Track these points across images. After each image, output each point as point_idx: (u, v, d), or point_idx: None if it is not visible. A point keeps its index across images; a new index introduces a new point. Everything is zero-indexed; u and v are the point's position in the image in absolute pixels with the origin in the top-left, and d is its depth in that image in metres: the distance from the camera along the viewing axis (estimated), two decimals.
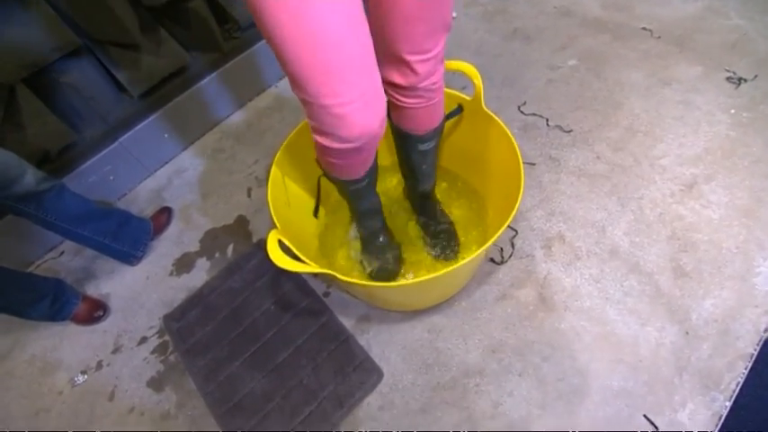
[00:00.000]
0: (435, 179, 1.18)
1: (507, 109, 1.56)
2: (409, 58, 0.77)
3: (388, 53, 0.78)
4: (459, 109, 1.09)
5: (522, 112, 1.54)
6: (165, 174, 1.62)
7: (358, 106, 0.66)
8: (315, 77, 0.62)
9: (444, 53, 0.82)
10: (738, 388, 0.98)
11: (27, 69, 1.19)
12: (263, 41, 1.68)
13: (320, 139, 0.72)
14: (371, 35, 0.67)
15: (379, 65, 0.75)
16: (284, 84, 1.82)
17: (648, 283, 1.13)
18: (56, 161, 1.38)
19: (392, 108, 0.93)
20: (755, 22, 1.66)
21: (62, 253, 1.48)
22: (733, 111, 1.42)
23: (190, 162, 1.64)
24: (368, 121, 0.68)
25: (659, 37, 1.68)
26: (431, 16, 0.71)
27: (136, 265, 1.39)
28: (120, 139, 1.49)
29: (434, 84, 0.85)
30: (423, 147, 1.00)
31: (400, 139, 1.02)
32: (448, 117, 1.06)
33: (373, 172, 0.95)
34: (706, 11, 1.74)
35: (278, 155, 1.04)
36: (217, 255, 1.37)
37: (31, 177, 1.04)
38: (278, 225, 0.91)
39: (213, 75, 1.62)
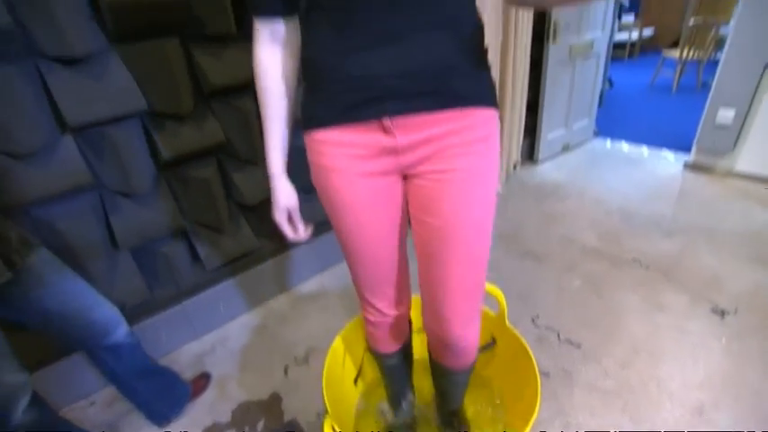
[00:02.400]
0: (462, 403, 1.24)
1: (522, 322, 1.70)
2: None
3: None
4: (492, 342, 1.27)
5: (535, 324, 1.69)
6: (210, 340, 1.76)
7: (389, 302, 1.00)
8: (360, 284, 0.98)
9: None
10: None
11: (142, 241, 1.48)
12: (319, 237, 2.02)
13: (365, 313, 1.05)
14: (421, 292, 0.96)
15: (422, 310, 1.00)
16: (327, 274, 2.10)
17: None
18: (126, 314, 1.56)
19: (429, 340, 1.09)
20: (725, 263, 1.88)
21: (93, 403, 1.51)
22: (724, 340, 1.52)
23: (235, 333, 1.78)
24: (395, 311, 1.03)
25: (647, 267, 1.91)
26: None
27: (164, 427, 1.40)
28: (184, 303, 1.70)
29: (465, 340, 0.93)
30: (453, 378, 1.09)
31: (432, 364, 1.11)
32: (481, 350, 1.20)
33: (404, 355, 1.16)
34: (683, 249, 2.01)
35: (333, 345, 1.21)
36: (246, 429, 1.39)
37: (123, 330, 1.19)
38: (330, 410, 1.00)
39: (273, 260, 1.92)
